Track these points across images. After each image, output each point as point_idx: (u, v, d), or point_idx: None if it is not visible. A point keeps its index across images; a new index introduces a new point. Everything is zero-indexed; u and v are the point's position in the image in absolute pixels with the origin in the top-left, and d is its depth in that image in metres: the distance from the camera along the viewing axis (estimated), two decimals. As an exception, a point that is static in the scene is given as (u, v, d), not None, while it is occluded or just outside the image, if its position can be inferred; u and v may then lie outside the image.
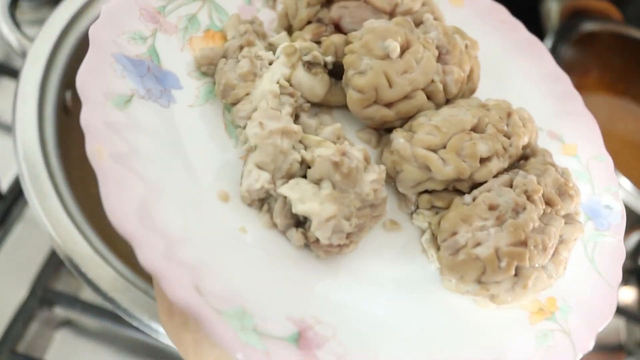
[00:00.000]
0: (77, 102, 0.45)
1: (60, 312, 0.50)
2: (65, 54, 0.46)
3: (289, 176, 0.31)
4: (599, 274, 0.34)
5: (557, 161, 0.38)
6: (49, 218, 0.39)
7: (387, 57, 0.34)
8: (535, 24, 0.67)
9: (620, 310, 0.56)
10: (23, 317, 0.48)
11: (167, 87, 0.33)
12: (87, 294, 0.51)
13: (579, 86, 0.60)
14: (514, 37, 0.44)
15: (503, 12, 0.44)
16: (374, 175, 0.31)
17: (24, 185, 0.39)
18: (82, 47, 0.46)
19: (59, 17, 0.46)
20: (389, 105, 0.34)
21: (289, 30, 0.39)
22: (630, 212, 0.50)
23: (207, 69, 0.35)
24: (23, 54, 0.45)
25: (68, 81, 0.46)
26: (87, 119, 0.28)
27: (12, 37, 0.46)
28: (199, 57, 0.35)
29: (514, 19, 0.44)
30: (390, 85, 0.34)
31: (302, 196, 0.30)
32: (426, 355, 0.30)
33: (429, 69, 0.35)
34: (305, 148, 0.32)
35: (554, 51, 0.58)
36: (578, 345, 0.31)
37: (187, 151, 0.31)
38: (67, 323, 0.51)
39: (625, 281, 0.59)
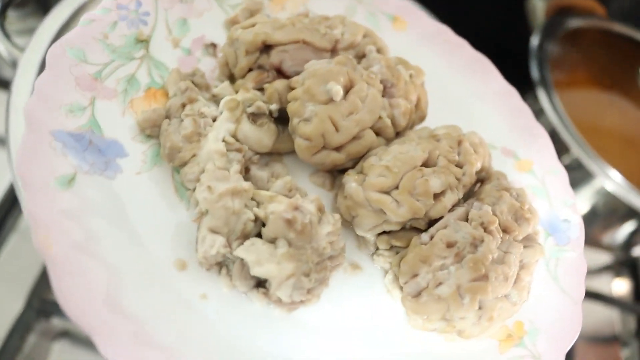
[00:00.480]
0: None
1: (57, 322, 0.50)
2: None
3: (244, 236, 0.31)
4: (563, 291, 0.35)
5: (512, 178, 0.39)
6: None
7: (330, 100, 0.33)
8: (520, 22, 0.68)
9: (615, 302, 0.57)
10: (20, 329, 0.48)
11: (112, 156, 0.32)
12: None
13: (566, 82, 0.61)
14: (461, 56, 0.44)
15: (447, 32, 0.44)
16: (329, 227, 0.31)
17: (20, 196, 0.38)
18: None
19: (48, 27, 0.46)
20: (338, 148, 0.34)
21: (231, 78, 0.39)
22: (621, 204, 0.51)
23: (152, 131, 0.34)
24: (13, 64, 0.45)
25: None
26: (31, 207, 0.27)
27: (1, 47, 0.45)
28: (141, 120, 0.34)
29: (458, 38, 0.45)
30: (337, 130, 0.33)
31: (258, 258, 0.29)
32: None
33: (374, 106, 0.35)
34: (258, 204, 0.32)
35: (540, 48, 0.59)
36: None
37: (138, 223, 0.31)
38: (65, 334, 0.51)
39: (618, 273, 0.61)
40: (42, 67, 0.43)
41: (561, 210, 0.38)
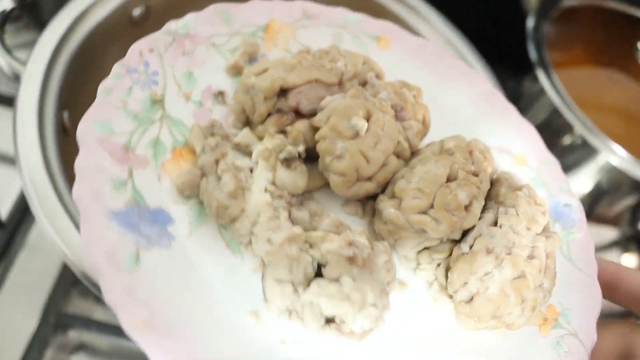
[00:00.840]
0: (75, 122, 0.44)
1: (74, 335, 0.50)
2: (59, 75, 0.46)
3: (307, 279, 0.33)
4: (579, 270, 0.39)
5: (511, 173, 0.43)
6: (63, 239, 0.38)
7: (357, 135, 0.36)
8: (515, 5, 0.69)
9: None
10: (37, 345, 0.48)
11: (162, 225, 0.33)
12: (99, 314, 0.53)
13: (565, 62, 0.62)
14: (444, 67, 0.47)
15: (427, 45, 0.47)
16: (384, 256, 0.33)
17: (33, 208, 0.39)
18: (74, 66, 0.47)
19: (49, 38, 0.46)
20: (369, 178, 0.37)
21: (247, 123, 0.40)
22: (626, 178, 0.54)
23: (191, 192, 0.35)
24: (15, 77, 0.45)
25: (64, 101, 0.46)
26: (111, 296, 0.28)
27: (2, 61, 0.46)
28: (179, 184, 0.35)
29: (438, 48, 0.48)
30: (368, 162, 0.36)
31: (329, 298, 0.32)
32: None
33: (392, 132, 0.37)
34: (310, 245, 0.34)
35: (536, 30, 0.60)
36: (586, 341, 0.36)
37: (205, 286, 0.32)
38: (82, 347, 0.52)
39: (626, 248, 0.63)
40: (46, 79, 0.44)
41: (560, 196, 0.43)
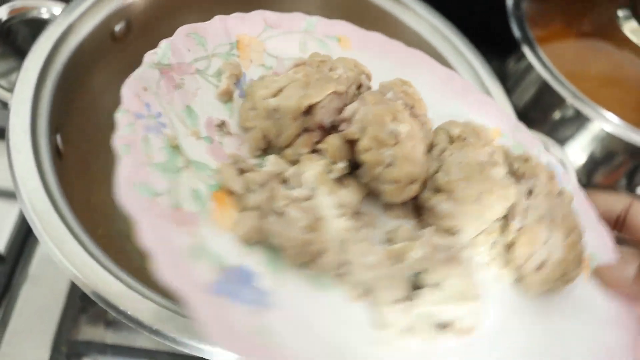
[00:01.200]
0: (68, 145, 0.46)
1: None
2: (47, 98, 0.45)
3: (416, 289, 0.32)
4: (585, 216, 0.43)
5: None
6: (71, 261, 0.37)
7: (398, 139, 0.35)
8: None
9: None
10: None
11: (251, 283, 0.29)
12: (111, 338, 0.52)
13: (548, 36, 0.62)
14: (401, 56, 0.48)
15: (381, 37, 0.48)
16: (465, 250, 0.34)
17: (37, 234, 0.38)
18: (61, 88, 0.46)
19: (33, 62, 0.45)
20: (414, 180, 0.36)
21: (265, 149, 0.36)
22: (621, 143, 0.55)
23: (258, 238, 0.31)
24: (3, 105, 0.44)
25: (55, 124, 0.45)
26: None
27: None
28: (244, 234, 0.30)
29: (392, 40, 0.48)
30: (415, 164, 0.35)
31: (446, 304, 0.31)
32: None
33: (419, 131, 0.37)
34: (398, 258, 0.32)
35: (517, 7, 0.59)
36: None
37: (323, 335, 0.29)
38: None
39: None
40: (35, 104, 0.43)
41: (540, 157, 0.47)
